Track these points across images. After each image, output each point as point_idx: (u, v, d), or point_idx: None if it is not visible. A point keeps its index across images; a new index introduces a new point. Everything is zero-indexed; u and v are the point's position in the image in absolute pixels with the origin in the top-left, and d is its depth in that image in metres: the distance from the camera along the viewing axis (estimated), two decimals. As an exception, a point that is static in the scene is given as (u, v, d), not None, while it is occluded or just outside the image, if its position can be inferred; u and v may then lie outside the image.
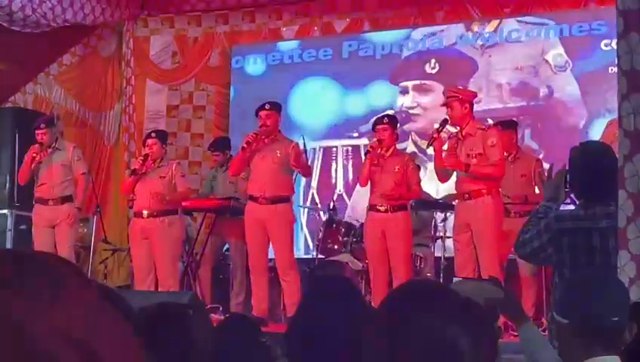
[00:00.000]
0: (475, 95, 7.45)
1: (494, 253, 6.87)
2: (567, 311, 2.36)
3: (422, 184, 7.99)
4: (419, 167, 8.27)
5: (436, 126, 7.32)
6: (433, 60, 10.08)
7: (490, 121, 8.34)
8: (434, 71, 10.08)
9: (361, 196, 9.18)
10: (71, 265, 0.80)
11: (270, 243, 7.73)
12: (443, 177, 7.29)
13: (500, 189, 7.12)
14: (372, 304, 7.12)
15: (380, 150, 7.55)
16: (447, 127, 7.26)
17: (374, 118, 8.12)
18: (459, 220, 7.14)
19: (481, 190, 6.92)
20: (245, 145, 7.62)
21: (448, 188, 8.16)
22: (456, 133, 7.17)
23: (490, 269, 6.59)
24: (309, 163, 9.15)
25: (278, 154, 7.65)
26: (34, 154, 8.22)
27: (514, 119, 8.47)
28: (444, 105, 7.35)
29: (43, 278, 0.76)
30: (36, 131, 8.28)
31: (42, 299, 0.74)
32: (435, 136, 7.12)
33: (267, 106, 7.77)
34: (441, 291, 1.64)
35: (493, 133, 7.11)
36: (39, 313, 0.73)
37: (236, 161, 7.93)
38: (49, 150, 8.28)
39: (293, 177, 8.09)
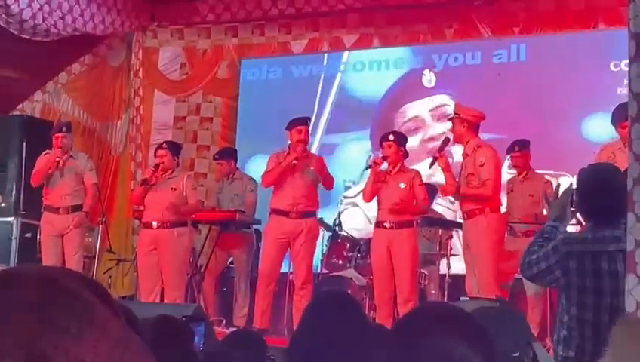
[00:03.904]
0: (478, 116, 7.16)
1: (490, 273, 6.79)
2: None
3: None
4: (429, 185, 8.23)
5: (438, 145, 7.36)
6: (441, 77, 10.09)
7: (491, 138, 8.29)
8: (441, 88, 10.08)
9: (366, 211, 9.18)
10: (98, 288, 0.80)
11: (291, 256, 7.77)
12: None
13: (499, 207, 7.13)
14: (375, 320, 7.12)
15: (388, 166, 7.55)
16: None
17: (381, 135, 8.14)
18: (463, 239, 7.29)
19: (475, 210, 6.94)
20: (288, 162, 7.62)
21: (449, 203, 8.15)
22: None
23: (485, 289, 6.54)
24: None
25: (311, 169, 7.73)
26: (57, 158, 8.14)
27: (527, 139, 8.40)
28: (450, 119, 7.37)
29: (71, 311, 0.75)
30: (56, 135, 8.23)
31: (69, 333, 0.74)
32: (436, 155, 7.13)
33: (308, 121, 7.88)
34: (455, 314, 1.64)
35: (484, 152, 7.01)
36: (65, 349, 0.73)
37: (272, 175, 7.77)
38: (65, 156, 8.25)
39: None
